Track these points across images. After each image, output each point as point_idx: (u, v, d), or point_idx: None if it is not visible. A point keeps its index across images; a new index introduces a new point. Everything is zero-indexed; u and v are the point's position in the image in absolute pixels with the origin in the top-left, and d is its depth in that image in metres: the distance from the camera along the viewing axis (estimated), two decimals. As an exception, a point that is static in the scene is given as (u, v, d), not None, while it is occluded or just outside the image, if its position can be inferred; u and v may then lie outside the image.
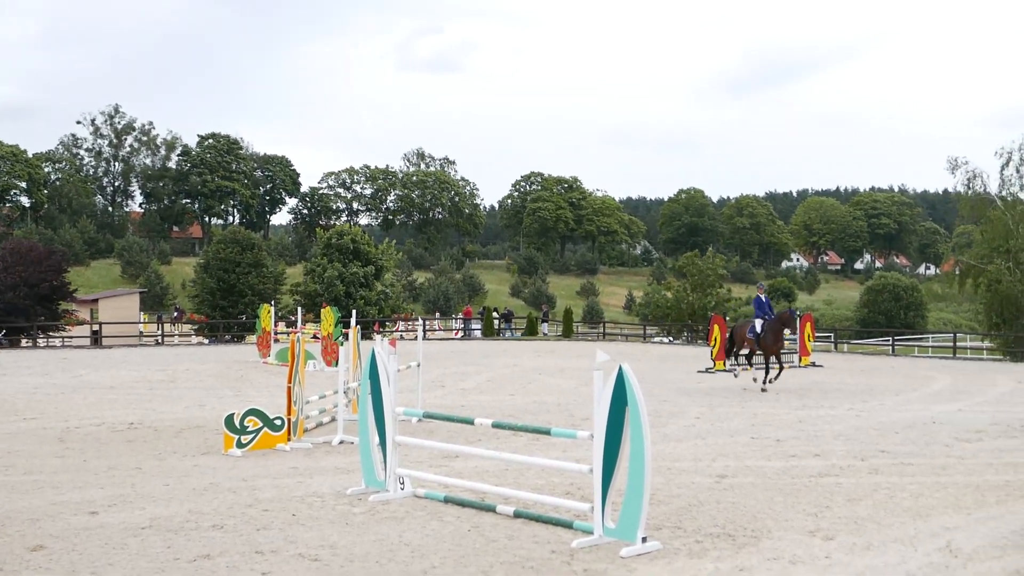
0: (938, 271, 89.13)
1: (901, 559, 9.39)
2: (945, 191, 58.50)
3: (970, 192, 53.53)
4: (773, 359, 26.51)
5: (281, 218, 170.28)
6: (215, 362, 36.00)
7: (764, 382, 26.39)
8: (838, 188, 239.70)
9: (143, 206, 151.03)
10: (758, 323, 26.45)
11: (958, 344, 51.71)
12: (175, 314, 69.91)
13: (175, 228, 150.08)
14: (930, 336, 69.91)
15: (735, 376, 28.68)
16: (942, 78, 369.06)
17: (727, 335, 28.51)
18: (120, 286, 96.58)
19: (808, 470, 14.14)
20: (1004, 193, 52.64)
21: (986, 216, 52.47)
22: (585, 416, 19.45)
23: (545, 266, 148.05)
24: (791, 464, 14.67)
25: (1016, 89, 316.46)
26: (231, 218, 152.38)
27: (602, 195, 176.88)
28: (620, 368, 9.65)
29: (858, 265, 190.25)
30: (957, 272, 55.23)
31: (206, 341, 55.71)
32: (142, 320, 60.31)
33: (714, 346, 33.79)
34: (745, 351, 28.02)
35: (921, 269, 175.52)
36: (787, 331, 26.39)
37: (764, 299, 26.96)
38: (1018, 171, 52.20)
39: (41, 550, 9.80)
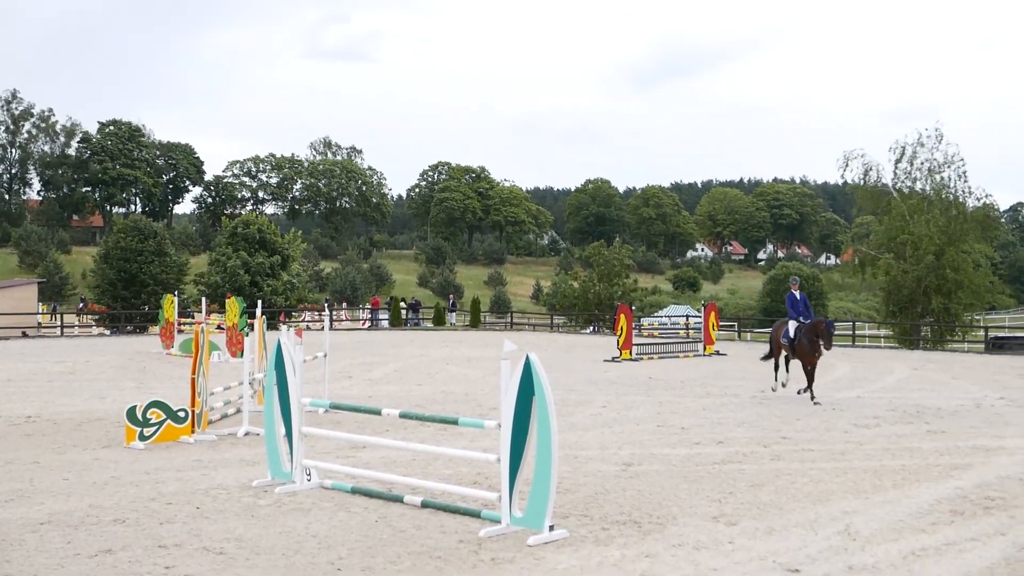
0: (838, 261, 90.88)
1: (802, 543, 9.59)
2: (845, 183, 59.87)
3: (867, 183, 54.75)
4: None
5: (185, 207, 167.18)
6: (117, 353, 35.34)
7: (809, 394, 22.01)
8: (742, 179, 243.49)
9: (41, 194, 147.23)
10: (791, 326, 22.36)
11: (857, 332, 52.87)
12: (80, 304, 68.37)
13: (75, 217, 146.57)
14: (830, 325, 71.24)
15: (777, 389, 23.50)
16: (843, 73, 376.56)
17: (777, 342, 23.17)
18: (17, 276, 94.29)
19: (712, 457, 14.36)
20: (899, 186, 53.93)
21: (883, 207, 53.73)
22: (492, 406, 19.50)
23: (453, 256, 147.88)
24: (695, 451, 14.88)
25: (911, 85, 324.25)
26: (133, 207, 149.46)
27: (510, 185, 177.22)
28: (527, 357, 9.69)
29: (761, 255, 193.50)
30: (856, 262, 56.46)
31: (107, 332, 54.65)
32: (40, 311, 58.93)
33: (620, 335, 34.10)
34: (783, 356, 23.35)
35: (822, 259, 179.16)
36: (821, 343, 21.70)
37: (799, 296, 22.54)
38: (911, 164, 53.50)
39: (-65, 547, 9.53)
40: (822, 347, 21.77)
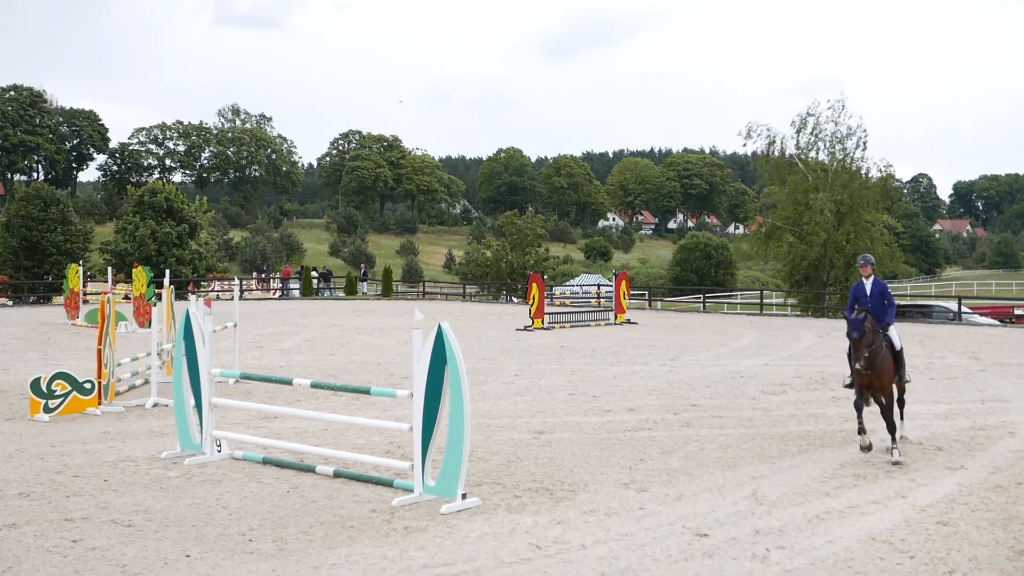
0: (746, 231, 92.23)
1: (711, 507, 9.76)
2: (753, 154, 60.81)
3: (770, 155, 55.51)
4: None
5: (90, 175, 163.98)
6: (19, 324, 34.56)
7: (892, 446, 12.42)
8: (652, 149, 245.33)
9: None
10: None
11: (765, 301, 53.75)
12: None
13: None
14: (739, 293, 72.52)
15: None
16: (752, 45, 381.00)
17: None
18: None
19: (623, 424, 14.52)
20: (803, 156, 54.75)
21: (788, 178, 54.57)
22: (405, 375, 19.48)
23: (364, 225, 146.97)
24: (607, 419, 15.03)
25: (817, 59, 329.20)
26: (35, 174, 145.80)
27: (421, 154, 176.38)
28: (439, 327, 9.70)
29: (671, 225, 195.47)
30: (763, 231, 57.31)
31: (10, 303, 53.38)
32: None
33: (532, 304, 34.26)
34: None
35: (731, 229, 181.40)
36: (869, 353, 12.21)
37: (871, 285, 12.99)
38: (814, 135, 54.35)
39: None
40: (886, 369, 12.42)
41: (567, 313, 37.84)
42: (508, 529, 9.04)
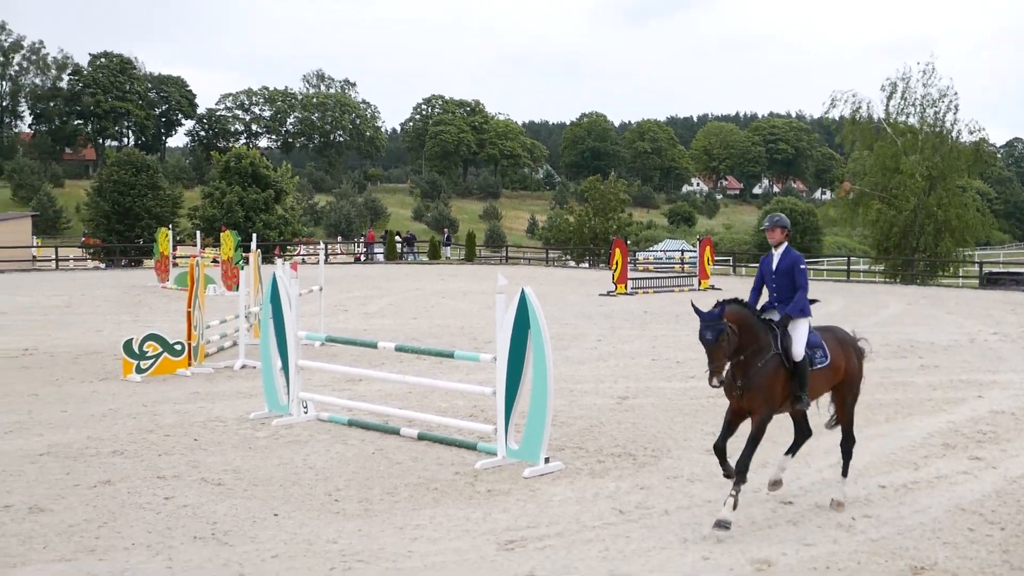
0: (833, 196, 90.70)
1: (795, 475, 9.68)
2: (841, 117, 59.71)
3: (857, 120, 54.45)
4: None
5: (178, 140, 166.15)
6: (112, 287, 35.33)
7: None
8: (738, 113, 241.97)
9: (33, 127, 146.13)
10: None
11: (852, 267, 52.95)
12: (83, 239, 68.13)
13: (67, 150, 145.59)
14: (825, 260, 71.53)
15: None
16: (839, 5, 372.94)
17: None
18: (11, 210, 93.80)
19: (707, 391, 14.41)
20: (892, 120, 53.62)
21: (876, 143, 53.51)
22: (488, 339, 19.55)
23: (447, 190, 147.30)
24: (690, 385, 14.96)
25: (906, 19, 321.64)
26: (126, 140, 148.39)
27: (504, 118, 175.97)
28: (523, 291, 9.71)
29: (756, 190, 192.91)
30: (851, 197, 56.36)
31: (103, 266, 54.58)
32: (35, 244, 58.80)
33: (616, 269, 34.15)
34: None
35: (817, 194, 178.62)
36: None
37: (779, 257, 9.36)
38: (903, 99, 53.19)
39: (-65, 478, 9.61)
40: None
41: (650, 279, 37.67)
42: (591, 493, 9.06)
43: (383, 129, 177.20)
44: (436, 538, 7.87)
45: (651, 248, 75.73)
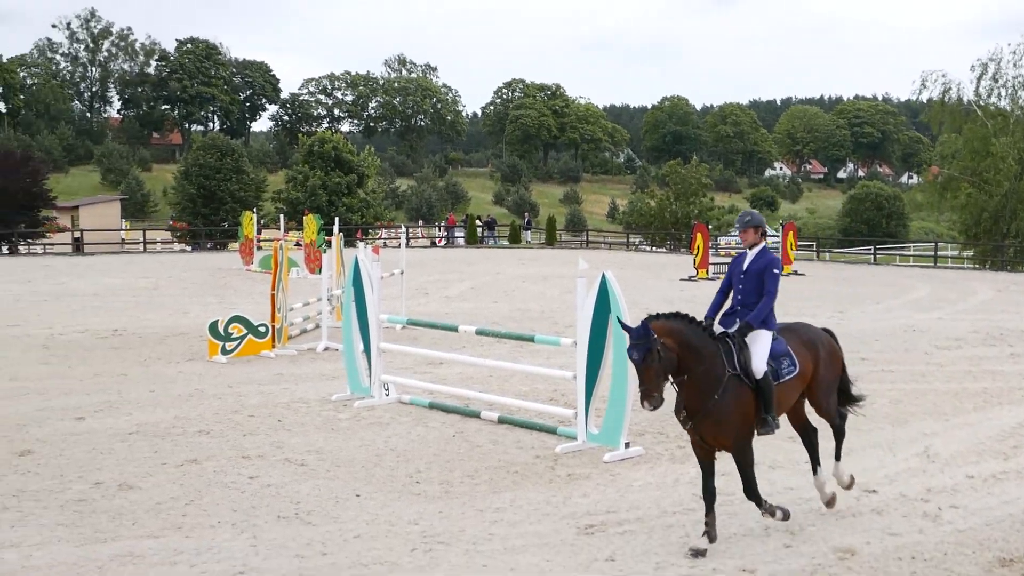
0: (920, 180, 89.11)
1: (880, 463, 9.54)
2: (930, 99, 58.46)
3: (946, 102, 53.31)
4: None
5: (262, 125, 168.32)
6: (198, 269, 35.93)
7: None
8: (822, 96, 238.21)
9: (121, 112, 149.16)
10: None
11: (939, 253, 51.94)
12: (170, 222, 69.43)
13: (155, 134, 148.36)
14: (912, 245, 70.25)
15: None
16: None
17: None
18: (100, 193, 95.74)
19: (789, 377, 14.26)
20: (982, 103, 52.43)
21: (965, 126, 52.38)
22: (569, 324, 19.51)
23: (528, 174, 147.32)
24: (772, 371, 14.78)
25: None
26: (211, 125, 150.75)
27: (585, 102, 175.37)
28: (603, 276, 9.68)
29: (841, 174, 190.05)
30: (939, 181, 55.26)
31: (189, 248, 55.53)
32: (124, 227, 59.98)
33: (697, 254, 33.90)
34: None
35: (904, 178, 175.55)
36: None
37: (751, 258, 8.47)
38: (995, 81, 51.97)
39: (29, 455, 9.87)
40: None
41: (732, 263, 37.30)
42: (672, 479, 9.02)
43: (464, 113, 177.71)
44: (516, 521, 7.89)
45: (733, 233, 74.96)
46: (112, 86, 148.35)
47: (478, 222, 63.10)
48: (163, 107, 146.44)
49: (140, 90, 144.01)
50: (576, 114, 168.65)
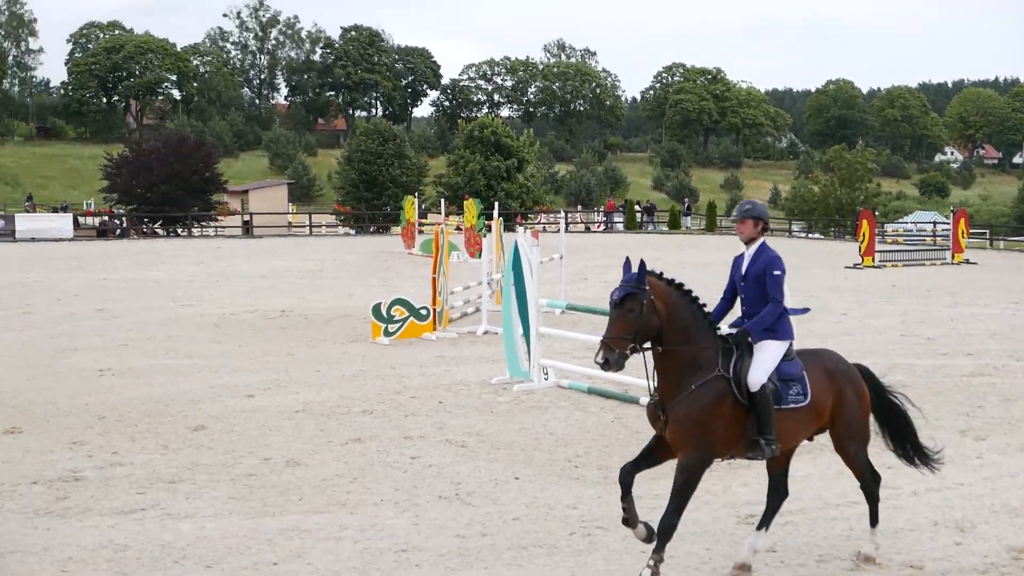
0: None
1: (1057, 461, 9.15)
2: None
3: None
4: None
5: (423, 110, 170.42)
6: (361, 252, 36.71)
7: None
8: (997, 78, 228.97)
9: (288, 99, 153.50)
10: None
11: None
12: (335, 206, 71.09)
13: (320, 120, 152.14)
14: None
15: None
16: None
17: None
18: (268, 177, 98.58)
19: (960, 369, 13.81)
20: None
21: None
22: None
23: (688, 159, 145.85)
24: (942, 363, 14.34)
25: None
26: (374, 110, 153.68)
27: (746, 86, 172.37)
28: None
29: (1017, 159, 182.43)
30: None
31: (352, 232, 56.77)
32: (290, 211, 61.65)
33: (862, 242, 33.08)
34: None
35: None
36: None
37: (750, 257, 7.54)
38: None
39: (202, 430, 10.25)
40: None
41: (899, 251, 36.30)
42: (835, 470, 8.82)
43: (623, 98, 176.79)
44: (675, 509, 7.82)
45: (900, 220, 72.86)
46: (279, 73, 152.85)
47: (637, 207, 62.77)
48: (328, 93, 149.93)
49: (306, 77, 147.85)
50: (737, 98, 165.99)
